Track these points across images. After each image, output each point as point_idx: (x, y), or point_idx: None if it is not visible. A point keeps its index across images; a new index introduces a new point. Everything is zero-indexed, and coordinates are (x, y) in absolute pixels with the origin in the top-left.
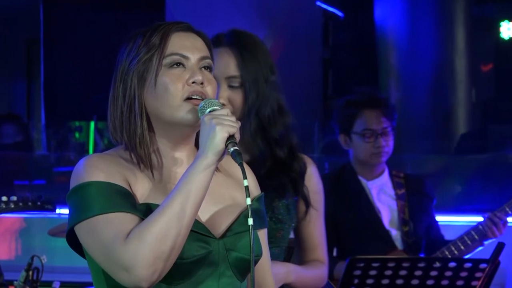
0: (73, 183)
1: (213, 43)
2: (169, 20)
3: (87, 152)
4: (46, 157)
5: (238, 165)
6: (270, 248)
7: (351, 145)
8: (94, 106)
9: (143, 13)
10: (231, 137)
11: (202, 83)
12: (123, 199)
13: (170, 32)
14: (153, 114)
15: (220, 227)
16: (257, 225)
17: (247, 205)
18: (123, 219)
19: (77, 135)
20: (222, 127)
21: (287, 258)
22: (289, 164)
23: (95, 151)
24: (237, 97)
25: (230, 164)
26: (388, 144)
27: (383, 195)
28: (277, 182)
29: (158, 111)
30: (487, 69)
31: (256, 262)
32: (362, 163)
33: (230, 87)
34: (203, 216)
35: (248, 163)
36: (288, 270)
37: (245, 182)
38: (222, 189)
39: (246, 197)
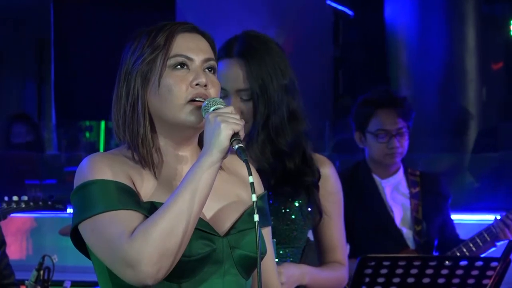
0: (77, 182)
1: (224, 53)
2: (179, 20)
3: (97, 151)
4: (56, 156)
5: (243, 161)
6: (284, 248)
7: (366, 144)
8: (104, 105)
9: (154, 13)
10: (235, 135)
11: (205, 85)
12: (127, 196)
13: (175, 33)
14: (156, 114)
15: (224, 225)
16: (261, 223)
17: (253, 202)
18: (128, 217)
19: (87, 134)
20: (227, 125)
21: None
22: (301, 174)
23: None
24: (248, 109)
25: (233, 162)
26: (402, 144)
27: (396, 194)
28: (289, 188)
29: (161, 112)
30: (497, 68)
31: (261, 259)
32: (376, 162)
33: (242, 99)
34: (207, 214)
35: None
36: (303, 272)
37: (250, 179)
38: (225, 187)
39: (252, 193)
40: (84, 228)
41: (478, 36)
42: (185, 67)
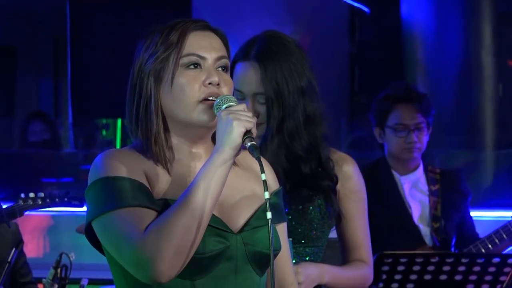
0: (91, 178)
1: (242, 55)
2: (195, 17)
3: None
4: (73, 154)
5: (256, 159)
6: (303, 247)
7: (385, 139)
8: (121, 103)
9: (169, 11)
10: (248, 132)
11: (218, 84)
12: (140, 193)
13: (188, 31)
14: (169, 113)
15: (238, 222)
16: (275, 219)
17: (265, 199)
18: (141, 214)
19: (104, 132)
20: (239, 122)
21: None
22: (317, 178)
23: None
24: (265, 112)
25: (246, 157)
26: (420, 140)
27: (415, 191)
28: (306, 192)
29: (173, 111)
30: None
31: (275, 256)
32: (395, 157)
33: (258, 102)
34: (221, 211)
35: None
36: (322, 271)
37: (263, 176)
38: (240, 182)
39: (264, 191)
40: (98, 225)
41: (495, 33)
42: (198, 66)
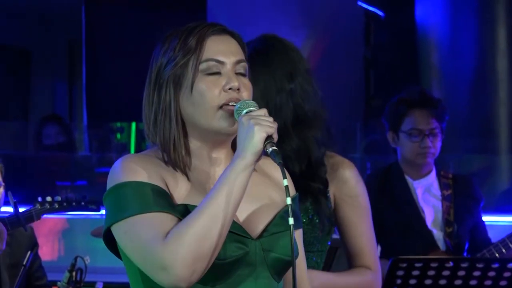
0: (110, 183)
1: None
2: (210, 20)
3: (128, 152)
4: (88, 158)
5: (277, 164)
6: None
7: (398, 143)
8: (135, 107)
9: (184, 13)
10: (269, 137)
11: (238, 89)
12: (161, 199)
13: (206, 36)
14: (188, 119)
15: (257, 228)
16: (294, 226)
17: (288, 205)
18: (162, 219)
19: (118, 136)
20: (261, 127)
21: (329, 259)
22: (306, 179)
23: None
24: None
25: (266, 164)
26: (434, 145)
27: (428, 195)
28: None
29: (193, 117)
30: None
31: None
32: (409, 162)
33: None
34: (240, 217)
35: None
36: (309, 277)
37: (285, 182)
38: (258, 189)
39: (287, 196)
40: (118, 230)
41: (510, 36)
42: (217, 73)
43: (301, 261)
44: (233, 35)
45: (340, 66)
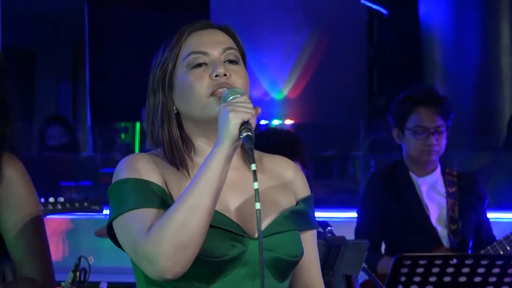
0: (113, 180)
1: None
2: (213, 20)
3: (133, 153)
4: (92, 158)
5: (248, 149)
6: None
7: (403, 140)
8: (139, 107)
9: (188, 14)
10: (245, 123)
11: (225, 75)
12: (155, 196)
13: (188, 33)
14: (186, 116)
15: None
16: (299, 226)
17: (255, 190)
18: (151, 214)
19: (122, 136)
20: (236, 114)
21: (332, 256)
22: None
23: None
24: None
25: (276, 164)
26: (439, 143)
27: (433, 192)
28: None
29: (189, 112)
30: None
31: (294, 262)
32: (413, 159)
33: None
34: (240, 216)
35: None
36: None
37: (253, 167)
38: (264, 191)
39: (254, 181)
40: (116, 225)
41: None
42: (203, 65)
43: (312, 262)
44: (221, 28)
45: (344, 64)
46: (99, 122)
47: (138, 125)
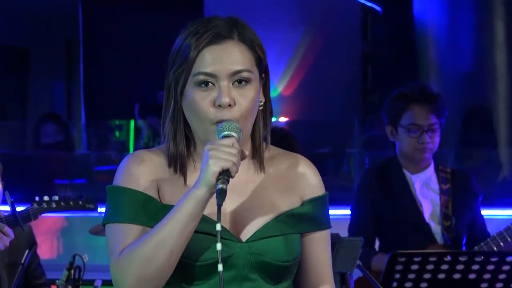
0: (114, 180)
1: None
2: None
3: (127, 150)
4: (86, 156)
5: (216, 205)
6: None
7: (397, 137)
8: (134, 104)
9: (182, 12)
10: (224, 172)
11: (229, 105)
12: (144, 209)
13: (201, 47)
14: (190, 123)
15: (249, 231)
16: (298, 228)
17: (217, 231)
18: (128, 231)
19: (117, 133)
20: (216, 161)
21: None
22: None
23: (135, 149)
24: None
25: (289, 164)
26: (433, 141)
27: (426, 189)
28: None
29: (192, 125)
30: None
31: (285, 267)
32: (407, 156)
33: None
34: (234, 218)
35: None
36: None
37: (218, 227)
38: (261, 193)
39: (217, 223)
40: (105, 228)
41: (508, 31)
42: (209, 84)
43: (320, 263)
44: (240, 37)
45: (338, 61)
46: (94, 120)
47: (132, 122)
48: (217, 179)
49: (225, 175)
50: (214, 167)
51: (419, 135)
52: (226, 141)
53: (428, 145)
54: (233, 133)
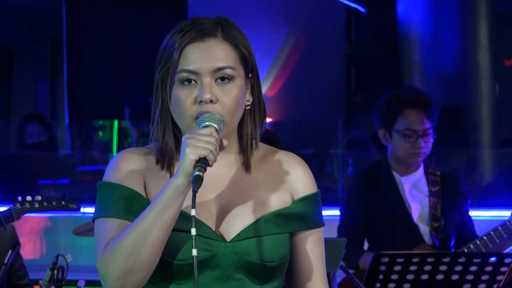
0: (104, 177)
1: None
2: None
3: (111, 150)
4: (70, 156)
5: (192, 191)
6: None
7: (390, 141)
8: (117, 104)
9: (166, 12)
10: (202, 160)
11: (211, 101)
12: (130, 204)
13: (184, 44)
14: (176, 121)
15: (234, 231)
16: (284, 228)
17: (192, 236)
18: (113, 226)
19: (100, 134)
20: (192, 149)
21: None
22: None
23: (119, 149)
24: None
25: (282, 162)
26: (427, 145)
27: (415, 191)
28: None
29: (178, 122)
30: (510, 64)
31: (271, 267)
32: (399, 160)
33: None
34: (220, 217)
35: None
36: None
37: (193, 212)
38: (252, 191)
39: (191, 227)
40: (94, 224)
41: (491, 32)
42: (192, 82)
43: (311, 262)
44: (223, 35)
45: (322, 62)
46: (77, 120)
47: (116, 123)
48: (194, 167)
49: (202, 162)
50: (191, 155)
51: (414, 141)
52: (204, 131)
53: (423, 149)
54: (213, 124)
